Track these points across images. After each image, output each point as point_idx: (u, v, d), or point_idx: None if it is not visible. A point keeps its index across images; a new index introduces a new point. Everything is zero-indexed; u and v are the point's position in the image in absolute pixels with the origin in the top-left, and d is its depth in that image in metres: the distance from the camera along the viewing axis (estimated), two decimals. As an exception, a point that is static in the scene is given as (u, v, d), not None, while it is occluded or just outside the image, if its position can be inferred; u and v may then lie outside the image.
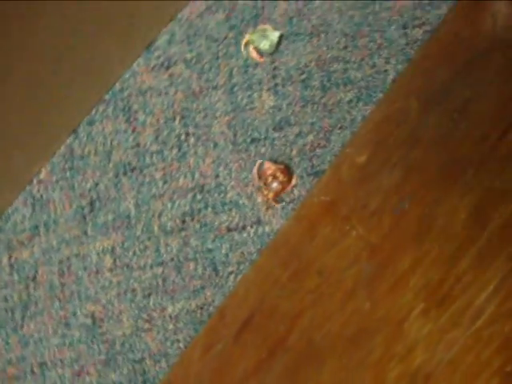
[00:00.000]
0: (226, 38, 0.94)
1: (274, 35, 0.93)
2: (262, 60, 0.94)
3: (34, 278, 0.99)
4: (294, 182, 0.92)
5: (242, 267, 0.98)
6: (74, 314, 1.00)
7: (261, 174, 0.93)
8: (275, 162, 0.90)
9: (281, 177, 0.91)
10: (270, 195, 0.91)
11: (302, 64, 0.97)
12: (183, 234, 0.98)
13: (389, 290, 0.70)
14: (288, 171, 0.93)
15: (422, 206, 0.73)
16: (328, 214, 0.82)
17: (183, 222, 0.99)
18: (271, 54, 0.94)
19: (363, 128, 0.88)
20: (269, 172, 0.92)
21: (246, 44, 0.94)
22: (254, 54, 0.94)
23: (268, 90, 0.97)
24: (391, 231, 0.73)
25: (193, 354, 0.89)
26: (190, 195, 0.98)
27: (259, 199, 0.92)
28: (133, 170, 0.97)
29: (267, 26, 0.94)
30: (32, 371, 0.98)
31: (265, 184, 0.92)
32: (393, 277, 0.71)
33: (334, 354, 0.70)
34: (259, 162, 0.92)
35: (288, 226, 0.91)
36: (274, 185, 0.91)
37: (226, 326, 0.84)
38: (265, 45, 0.93)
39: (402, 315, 0.69)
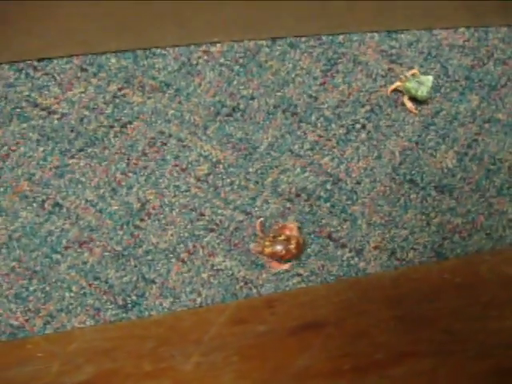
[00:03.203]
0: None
1: (429, 80, 0.75)
2: (416, 112, 0.77)
3: (125, 126, 0.77)
4: (286, 266, 0.72)
5: (311, 278, 0.78)
6: (130, 187, 0.77)
7: (279, 228, 0.72)
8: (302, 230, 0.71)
9: (292, 246, 0.71)
10: (267, 250, 0.71)
11: (499, 156, 0.83)
12: (287, 204, 0.78)
13: None
14: (302, 249, 0.72)
15: None
16: (456, 292, 0.64)
17: (297, 195, 0.77)
18: (424, 102, 0.77)
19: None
20: (287, 231, 0.72)
21: (394, 90, 0.77)
22: (409, 105, 0.77)
23: (457, 151, 0.81)
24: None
25: (215, 317, 0.67)
26: (322, 178, 0.74)
27: (252, 245, 0.72)
28: (296, 116, 0.79)
29: (415, 71, 0.77)
30: (43, 206, 0.72)
31: (273, 237, 0.71)
32: None
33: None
34: (294, 223, 0.72)
35: (388, 277, 0.73)
36: (279, 247, 0.70)
37: (275, 315, 0.64)
38: (422, 92, 0.75)
39: None
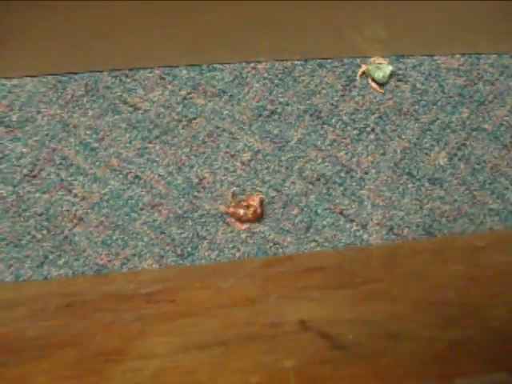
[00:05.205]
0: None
1: (388, 68, 0.96)
2: (381, 91, 0.95)
3: (190, 121, 1.03)
4: (245, 227, 0.92)
5: (325, 244, 1.01)
6: (191, 167, 1.02)
7: (246, 197, 0.93)
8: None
9: (249, 212, 0.91)
10: (230, 210, 0.91)
11: (484, 158, 1.04)
12: (309, 186, 1.02)
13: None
14: (257, 216, 0.92)
15: None
16: (431, 253, 0.85)
17: (317, 179, 0.94)
18: (382, 84, 0.96)
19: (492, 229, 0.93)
20: (251, 201, 0.92)
21: (363, 74, 0.96)
22: (373, 85, 0.96)
23: (448, 152, 1.03)
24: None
25: (248, 264, 0.90)
26: (338, 167, 0.94)
27: (221, 207, 0.92)
28: (319, 117, 1.03)
29: (380, 60, 0.96)
30: (126, 177, 0.93)
31: (238, 201, 0.92)
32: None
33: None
34: (259, 194, 0.93)
35: (386, 246, 0.94)
36: (241, 211, 0.91)
37: (293, 263, 0.86)
38: (378, 75, 0.95)
39: None
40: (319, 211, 0.94)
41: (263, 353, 0.60)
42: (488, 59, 1.00)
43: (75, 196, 0.93)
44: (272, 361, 0.58)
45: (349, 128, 0.96)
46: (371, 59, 0.96)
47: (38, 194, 0.93)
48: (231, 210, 0.92)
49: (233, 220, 0.93)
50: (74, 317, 0.68)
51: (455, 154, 0.96)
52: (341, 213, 0.94)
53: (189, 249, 0.93)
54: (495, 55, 1.00)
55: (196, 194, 0.94)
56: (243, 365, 0.59)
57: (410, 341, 0.60)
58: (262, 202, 0.93)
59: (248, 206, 0.92)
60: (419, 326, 0.62)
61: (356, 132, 0.96)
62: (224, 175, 0.94)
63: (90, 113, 0.96)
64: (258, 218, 0.93)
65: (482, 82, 0.99)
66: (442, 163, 0.96)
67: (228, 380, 0.57)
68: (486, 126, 0.97)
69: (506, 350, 0.57)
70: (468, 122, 0.97)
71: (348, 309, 0.64)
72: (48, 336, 0.64)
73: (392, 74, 0.96)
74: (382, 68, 0.95)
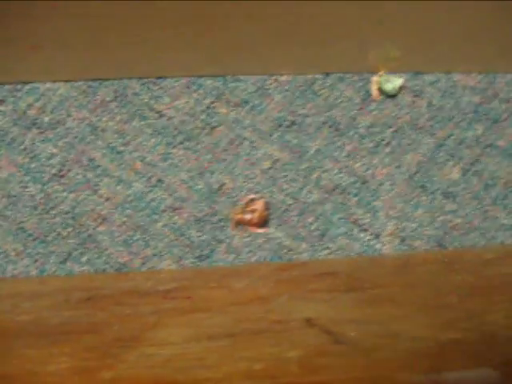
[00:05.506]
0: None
1: (398, 81, 0.98)
2: (377, 99, 0.98)
3: (213, 129, 1.08)
4: (261, 231, 0.95)
5: (338, 252, 1.04)
6: (212, 172, 1.04)
7: (251, 201, 0.95)
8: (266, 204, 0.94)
9: (256, 216, 0.94)
10: (237, 216, 0.94)
11: (497, 174, 1.07)
12: (325, 195, 1.04)
13: None
14: (263, 221, 0.95)
15: None
16: (440, 264, 0.89)
17: (333, 189, 0.97)
18: (393, 96, 0.99)
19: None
20: (257, 205, 0.94)
21: (374, 84, 0.98)
22: (374, 93, 0.98)
23: (462, 167, 1.07)
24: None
25: (264, 267, 0.94)
26: (353, 178, 0.97)
27: (231, 212, 0.95)
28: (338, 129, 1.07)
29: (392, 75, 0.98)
30: (150, 180, 0.98)
31: (246, 206, 0.95)
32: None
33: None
34: (263, 199, 0.96)
35: (397, 256, 0.97)
36: (248, 215, 0.94)
37: (307, 268, 0.90)
38: (388, 86, 0.97)
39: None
40: (334, 220, 0.98)
41: (269, 345, 0.64)
42: (504, 78, 1.03)
43: (100, 196, 0.98)
44: (276, 352, 0.62)
45: (365, 140, 1.00)
46: (379, 72, 0.99)
47: (65, 193, 0.98)
48: (238, 216, 0.95)
49: (247, 226, 0.97)
50: (94, 308, 0.73)
51: (469, 170, 0.99)
52: (355, 222, 0.98)
53: (206, 251, 0.97)
54: (511, 74, 1.03)
55: (216, 198, 0.98)
56: (249, 354, 0.63)
57: (407, 339, 0.63)
58: (266, 205, 0.96)
59: (253, 211, 0.95)
60: (418, 326, 0.65)
61: (372, 145, 1.00)
62: (243, 182, 0.99)
63: (118, 118, 1.01)
64: (265, 220, 0.96)
65: (497, 100, 1.02)
66: (455, 178, 0.99)
67: (233, 366, 0.61)
68: (500, 143, 1.00)
69: (496, 349, 0.60)
70: (482, 139, 1.00)
71: (354, 310, 0.68)
72: (69, 323, 0.69)
73: (402, 87, 0.99)
74: (392, 80, 0.98)
